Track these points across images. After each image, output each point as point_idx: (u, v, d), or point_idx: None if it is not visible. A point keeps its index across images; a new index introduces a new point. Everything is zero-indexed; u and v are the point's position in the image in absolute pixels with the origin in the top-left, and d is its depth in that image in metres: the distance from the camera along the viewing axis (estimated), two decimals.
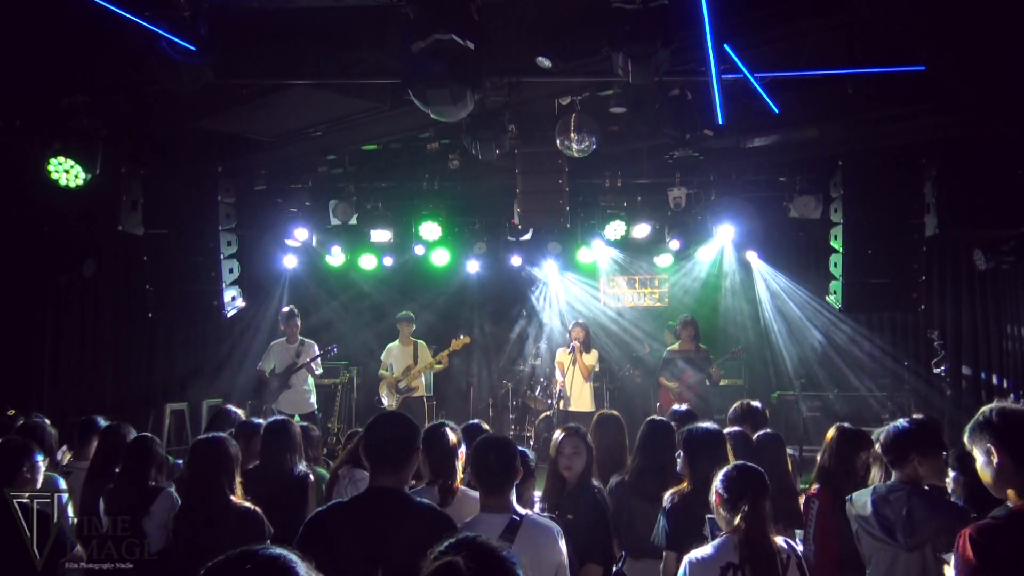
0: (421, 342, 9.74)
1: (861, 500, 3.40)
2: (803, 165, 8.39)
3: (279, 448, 4.45)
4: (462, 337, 9.95)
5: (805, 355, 10.75)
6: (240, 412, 5.50)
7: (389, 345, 9.79)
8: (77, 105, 6.18)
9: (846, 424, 4.30)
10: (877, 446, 3.98)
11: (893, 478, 3.37)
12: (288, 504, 4.12)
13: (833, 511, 3.94)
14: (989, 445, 2.47)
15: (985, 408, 2.54)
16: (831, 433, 4.24)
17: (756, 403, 5.49)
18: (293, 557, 1.49)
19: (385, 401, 9.56)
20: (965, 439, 2.60)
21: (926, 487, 3.32)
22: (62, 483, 4.37)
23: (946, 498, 3.46)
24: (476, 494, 3.60)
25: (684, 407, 5.35)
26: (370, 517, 2.75)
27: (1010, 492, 2.47)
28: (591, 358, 9.34)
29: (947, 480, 3.74)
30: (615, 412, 5.15)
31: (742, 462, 3.22)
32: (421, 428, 3.95)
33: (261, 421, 5.07)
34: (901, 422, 3.44)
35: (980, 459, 2.53)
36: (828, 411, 9.52)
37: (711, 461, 3.51)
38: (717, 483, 3.12)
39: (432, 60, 4.34)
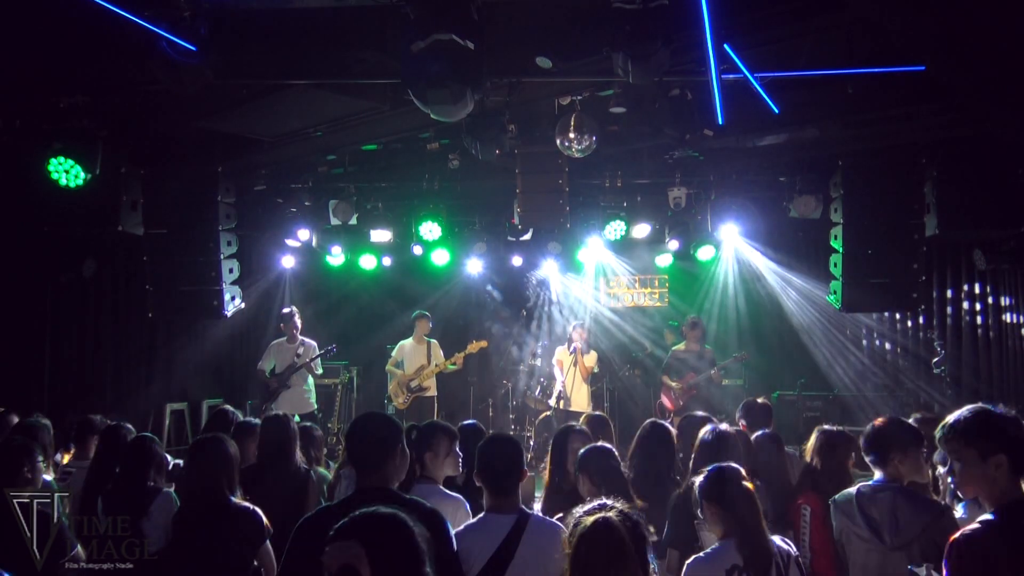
0: (434, 342, 9.72)
1: (845, 500, 3.40)
2: (803, 165, 8.39)
3: (277, 445, 4.44)
4: (480, 340, 9.94)
5: (805, 355, 10.74)
6: (239, 413, 5.50)
7: (402, 342, 9.77)
8: (77, 105, 6.19)
9: (827, 426, 4.28)
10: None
11: (876, 477, 3.39)
12: (288, 501, 4.11)
13: (824, 516, 3.94)
14: (958, 447, 2.54)
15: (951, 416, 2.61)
16: (813, 436, 4.23)
17: (762, 400, 5.49)
18: (406, 516, 1.85)
19: (395, 400, 9.54)
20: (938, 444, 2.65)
21: (908, 485, 3.34)
22: (52, 483, 4.38)
23: (928, 496, 3.48)
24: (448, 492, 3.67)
25: (704, 417, 5.31)
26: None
27: (977, 491, 2.53)
28: (591, 359, 9.35)
29: (938, 473, 3.75)
30: (602, 414, 5.19)
31: (719, 464, 3.20)
32: (426, 425, 3.99)
33: (258, 421, 5.06)
34: (879, 421, 3.46)
35: (956, 465, 2.56)
36: (828, 411, 9.52)
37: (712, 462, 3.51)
38: (699, 486, 3.11)
39: (432, 60, 4.34)
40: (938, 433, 2.61)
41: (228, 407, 5.60)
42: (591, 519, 2.18)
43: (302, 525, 2.80)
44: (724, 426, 4.09)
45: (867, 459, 3.42)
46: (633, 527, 2.21)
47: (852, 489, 3.43)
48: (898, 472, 3.33)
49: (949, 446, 2.56)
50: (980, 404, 2.60)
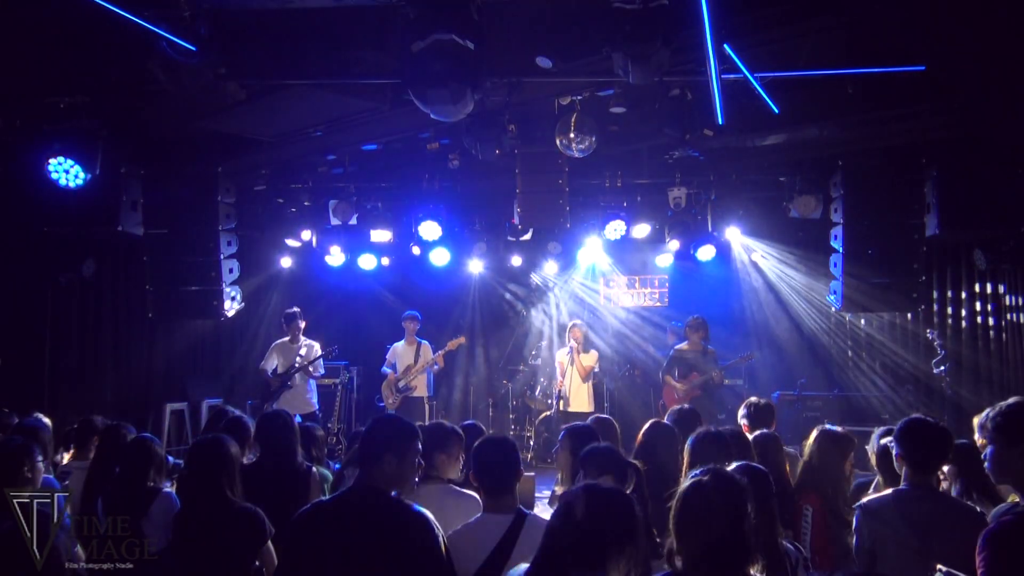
0: (425, 343, 9.73)
1: (883, 507, 3.28)
2: (803, 165, 8.39)
3: (276, 441, 4.40)
4: (458, 337, 9.95)
5: (805, 355, 10.74)
6: (237, 412, 5.48)
7: (394, 344, 9.79)
8: (77, 105, 6.20)
9: (827, 426, 4.26)
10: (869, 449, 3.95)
11: (909, 481, 3.29)
12: (290, 498, 4.09)
13: (826, 517, 3.92)
14: (991, 433, 2.64)
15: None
16: (813, 436, 4.19)
17: (764, 401, 5.47)
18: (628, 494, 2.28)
19: (385, 400, 9.56)
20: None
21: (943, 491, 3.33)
22: (55, 482, 4.38)
23: (963, 501, 3.44)
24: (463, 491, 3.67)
25: (687, 406, 5.34)
26: (347, 516, 2.80)
27: (1007, 478, 2.57)
28: (589, 358, 9.33)
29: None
30: (608, 416, 5.17)
31: (746, 462, 3.17)
32: (437, 426, 3.99)
33: (241, 415, 5.03)
34: (930, 425, 3.33)
35: (989, 450, 2.68)
36: (828, 411, 9.51)
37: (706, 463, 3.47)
38: None
39: (432, 60, 4.35)
40: (979, 418, 2.69)
41: (228, 408, 5.59)
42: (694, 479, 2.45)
43: (296, 519, 2.85)
44: (723, 427, 4.07)
45: (909, 461, 3.31)
46: (730, 487, 2.40)
47: (887, 495, 3.33)
48: (936, 478, 3.30)
49: (984, 431, 2.64)
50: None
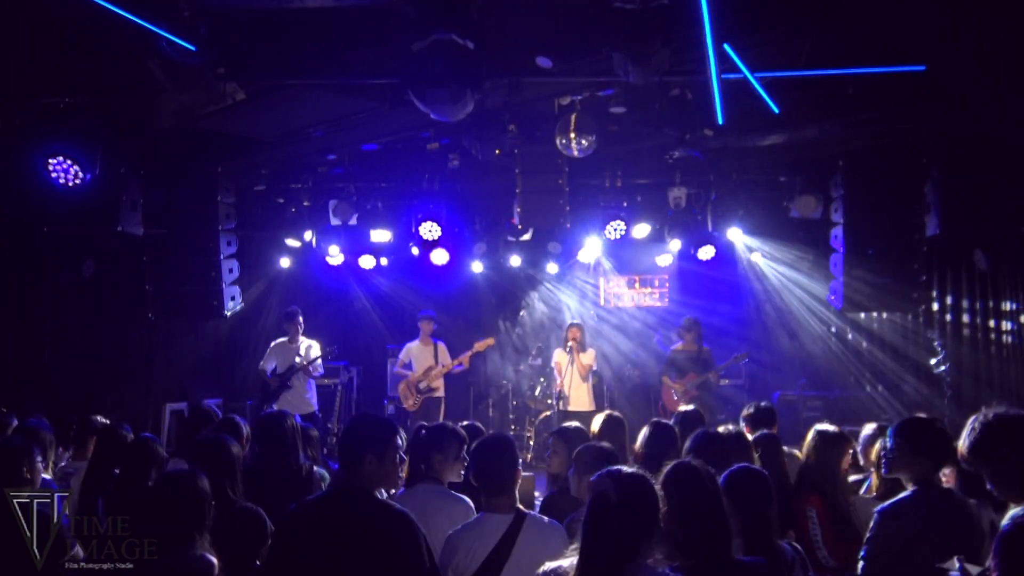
0: (441, 343, 9.69)
1: (902, 507, 3.24)
2: (803, 165, 8.39)
3: (278, 441, 4.39)
4: (486, 339, 9.90)
5: (805, 355, 10.74)
6: (219, 411, 5.49)
7: (408, 344, 9.71)
8: (77, 105, 6.19)
9: (825, 426, 4.26)
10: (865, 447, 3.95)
11: (919, 482, 3.26)
12: (292, 497, 4.07)
13: (831, 516, 3.92)
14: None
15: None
16: (809, 436, 4.19)
17: (765, 404, 5.47)
18: (653, 481, 2.44)
19: (405, 402, 9.50)
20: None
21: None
22: (54, 483, 4.38)
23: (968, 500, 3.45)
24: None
25: (691, 407, 5.33)
26: (329, 516, 2.83)
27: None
28: (588, 357, 9.32)
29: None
30: (617, 413, 5.15)
31: (745, 464, 3.17)
32: (437, 427, 4.00)
33: (222, 416, 5.04)
34: (934, 426, 3.34)
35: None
36: (828, 411, 9.52)
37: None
38: (720, 481, 3.08)
39: (432, 60, 4.36)
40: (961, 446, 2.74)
41: (208, 405, 5.60)
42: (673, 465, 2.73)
43: (282, 519, 2.90)
44: (722, 428, 4.07)
45: (914, 461, 3.30)
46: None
47: (903, 498, 3.28)
48: (940, 478, 3.31)
49: (971, 462, 2.70)
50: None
